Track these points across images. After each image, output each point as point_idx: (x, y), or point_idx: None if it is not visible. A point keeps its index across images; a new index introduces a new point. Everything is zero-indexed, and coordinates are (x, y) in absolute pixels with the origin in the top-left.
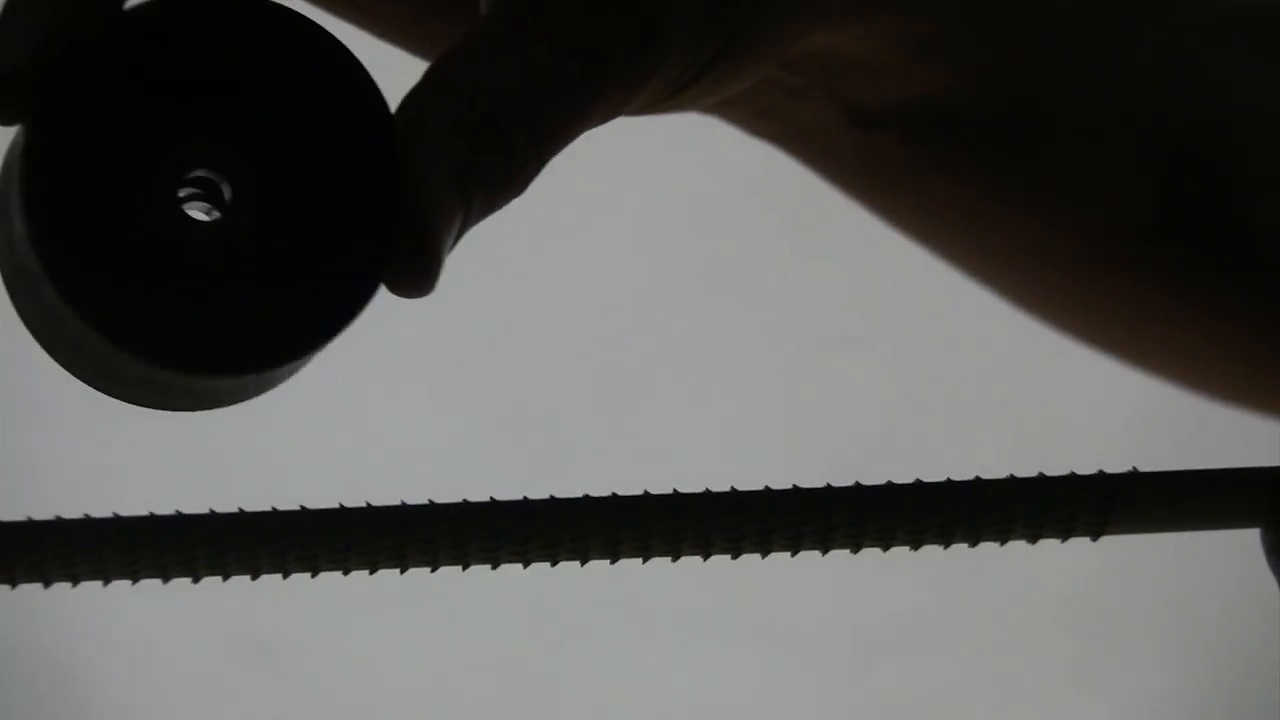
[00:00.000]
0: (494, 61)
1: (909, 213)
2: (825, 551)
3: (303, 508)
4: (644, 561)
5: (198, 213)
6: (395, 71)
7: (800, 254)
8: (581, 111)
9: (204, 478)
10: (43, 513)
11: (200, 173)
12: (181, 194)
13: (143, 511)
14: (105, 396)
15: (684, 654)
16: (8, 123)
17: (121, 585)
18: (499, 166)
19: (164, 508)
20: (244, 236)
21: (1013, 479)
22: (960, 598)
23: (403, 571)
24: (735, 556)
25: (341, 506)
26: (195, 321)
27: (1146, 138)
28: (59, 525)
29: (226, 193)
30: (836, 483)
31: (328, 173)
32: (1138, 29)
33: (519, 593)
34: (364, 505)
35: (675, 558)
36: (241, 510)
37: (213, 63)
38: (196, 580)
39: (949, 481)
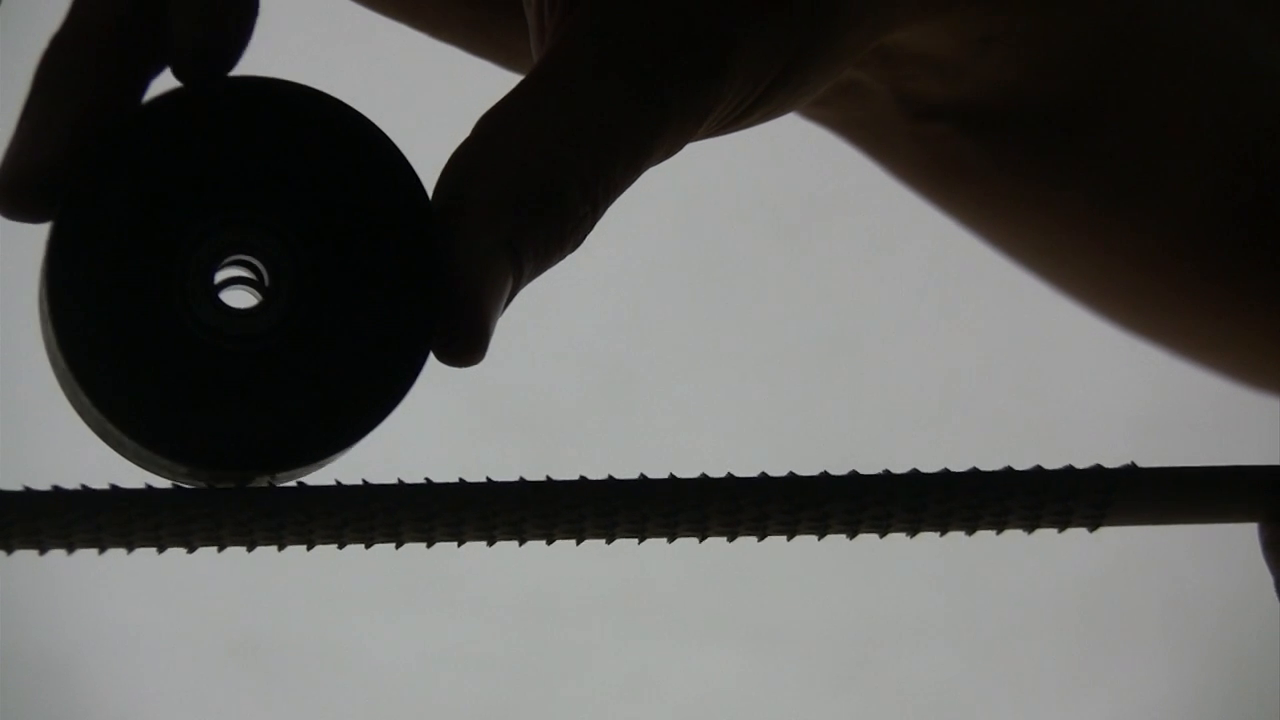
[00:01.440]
0: (544, 116)
1: (968, 204)
2: (821, 536)
3: (300, 484)
4: (639, 542)
5: (234, 301)
6: (427, 136)
7: (796, 255)
8: (638, 160)
9: None
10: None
11: (236, 260)
12: (217, 281)
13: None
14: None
15: (684, 654)
16: (37, 221)
17: (122, 585)
18: (553, 228)
19: None
20: (284, 324)
21: (1010, 470)
22: (961, 598)
23: (398, 546)
24: (731, 539)
25: (338, 484)
26: (237, 419)
27: (1218, 130)
28: (56, 494)
29: (265, 279)
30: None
31: (367, 255)
32: (1212, 17)
33: (519, 592)
34: (360, 483)
35: (671, 539)
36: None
37: (243, 147)
38: (191, 550)
39: (946, 471)
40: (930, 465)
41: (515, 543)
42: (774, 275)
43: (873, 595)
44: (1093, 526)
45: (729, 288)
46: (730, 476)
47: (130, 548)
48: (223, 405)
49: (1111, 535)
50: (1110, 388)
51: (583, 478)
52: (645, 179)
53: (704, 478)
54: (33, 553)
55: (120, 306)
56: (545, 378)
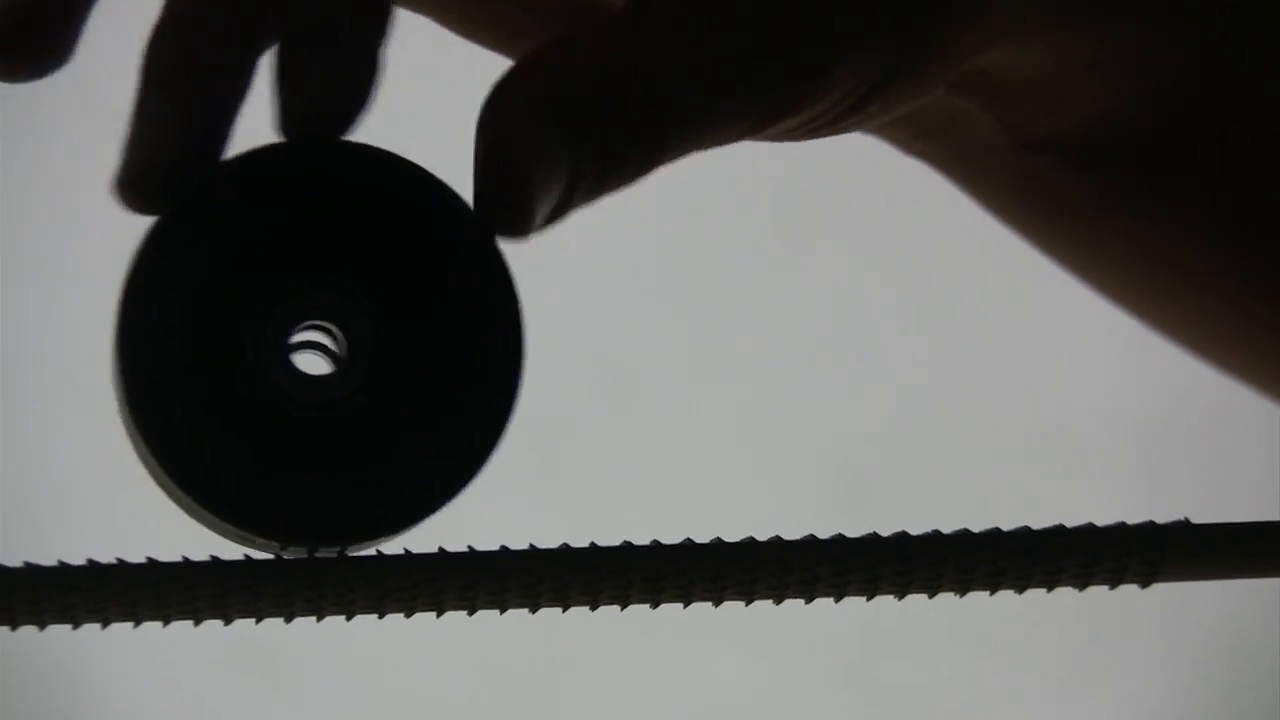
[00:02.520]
0: (637, 35)
1: (1067, 240)
2: (870, 598)
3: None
4: (684, 606)
5: (307, 367)
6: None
7: (798, 259)
8: (721, 116)
9: None
10: (43, 513)
11: (310, 325)
12: (292, 343)
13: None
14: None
15: (684, 654)
16: (158, 213)
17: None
18: (616, 136)
19: (158, 509)
20: (359, 392)
21: (1062, 528)
22: (960, 598)
23: (470, 613)
24: (778, 602)
25: (406, 552)
26: (310, 489)
27: None
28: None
29: (340, 345)
30: (851, 495)
31: (446, 327)
32: None
33: None
34: (435, 551)
35: (718, 602)
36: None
37: (324, 211)
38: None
39: (997, 530)
40: (927, 471)
41: (560, 609)
42: (775, 275)
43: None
44: (1145, 583)
45: (729, 287)
46: (779, 540)
47: (197, 620)
48: (295, 474)
49: None
50: (1112, 387)
51: (627, 543)
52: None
53: (752, 541)
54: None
55: (193, 367)
56: (545, 378)
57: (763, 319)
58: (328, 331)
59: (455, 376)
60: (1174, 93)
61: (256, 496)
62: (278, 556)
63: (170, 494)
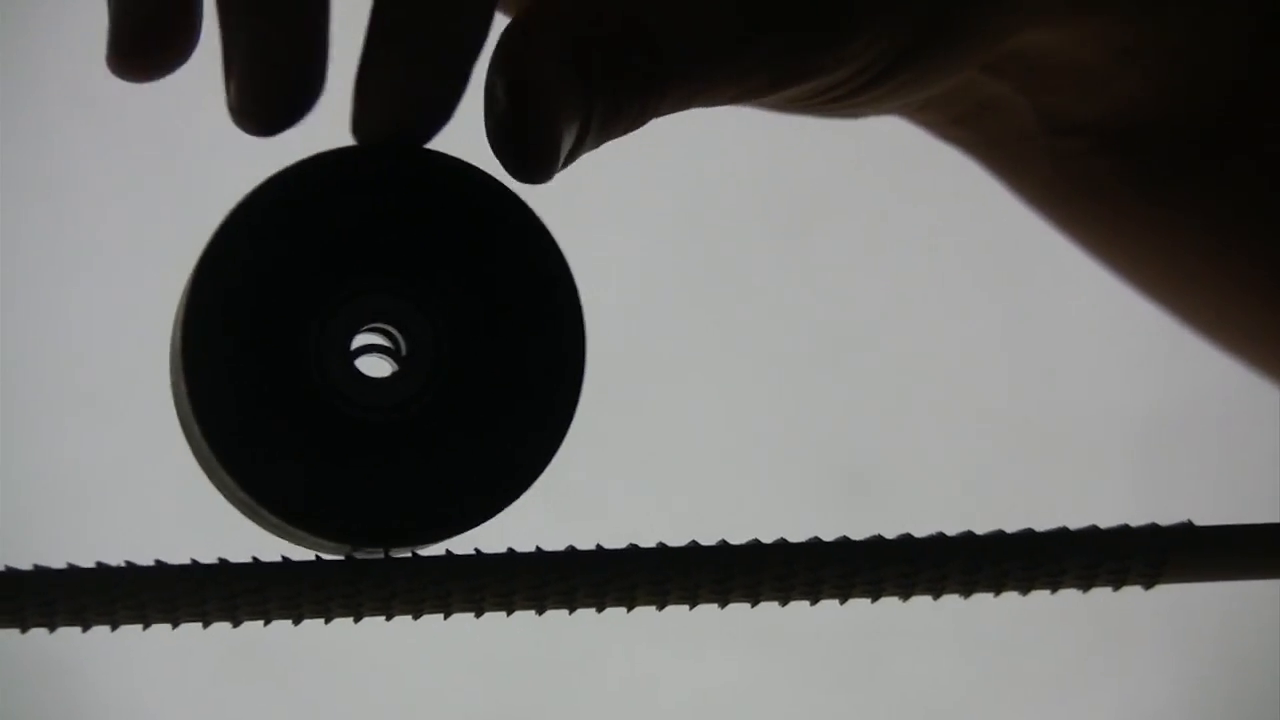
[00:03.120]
0: None
1: (1096, 226)
2: (875, 599)
3: (318, 558)
4: (690, 609)
5: (368, 370)
6: None
7: (800, 258)
8: (721, 75)
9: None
10: (43, 512)
11: (372, 328)
12: (354, 346)
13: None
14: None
15: (684, 654)
16: (280, 131)
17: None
18: (623, 79)
19: (160, 508)
20: (422, 394)
21: (1065, 530)
22: (965, 599)
23: (540, 613)
24: (784, 604)
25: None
26: (371, 493)
27: None
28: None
29: (402, 348)
30: (853, 494)
31: (509, 330)
32: None
33: None
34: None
35: (723, 605)
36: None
37: (389, 214)
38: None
39: (1000, 533)
40: (927, 471)
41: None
42: (777, 274)
43: None
44: (1148, 585)
45: (729, 287)
46: (784, 542)
47: (206, 622)
48: (355, 476)
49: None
50: (1116, 387)
51: (633, 545)
52: (639, 182)
53: (757, 544)
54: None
55: (255, 368)
56: None
57: (763, 318)
58: (389, 335)
59: (517, 380)
60: (1206, 83)
61: (316, 498)
62: (317, 558)
63: (229, 494)
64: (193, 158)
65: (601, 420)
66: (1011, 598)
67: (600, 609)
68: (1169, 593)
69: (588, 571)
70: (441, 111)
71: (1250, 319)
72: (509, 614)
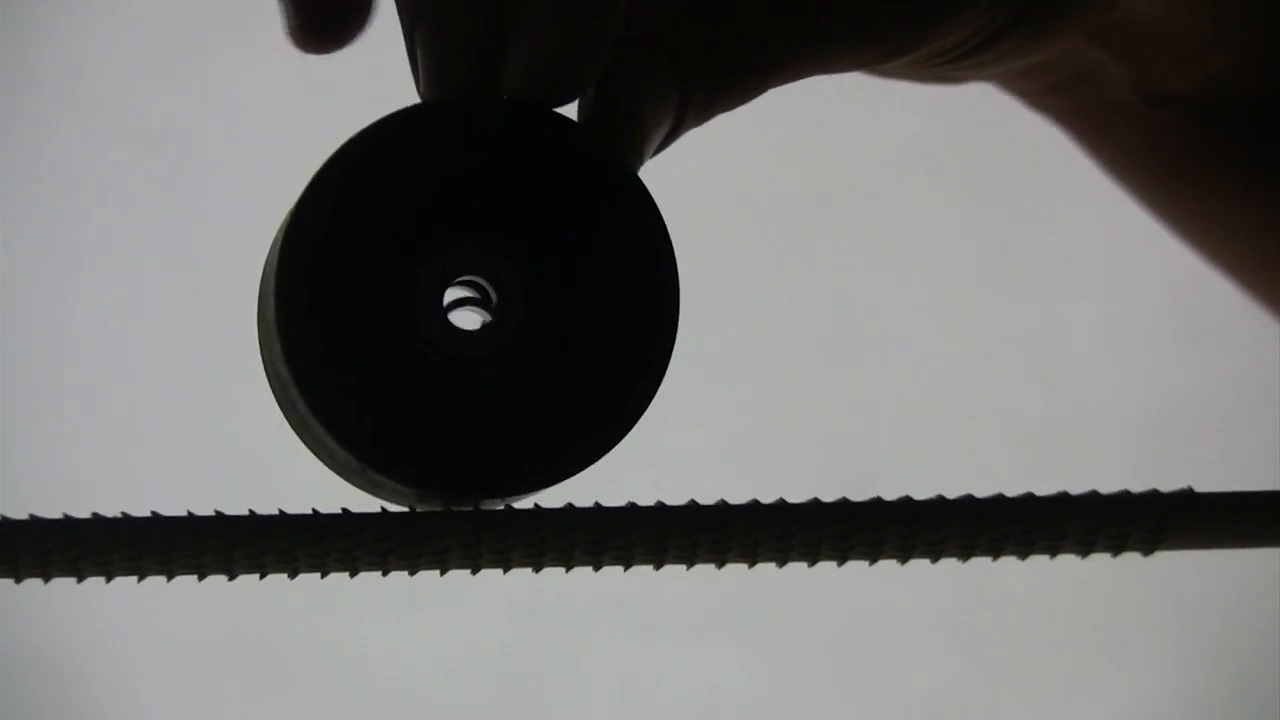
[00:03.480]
0: None
1: (1188, 204)
2: (873, 561)
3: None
4: (688, 568)
5: (460, 322)
6: None
7: (802, 258)
8: (833, 49)
9: (202, 478)
10: (42, 511)
11: (461, 281)
12: (446, 299)
13: (144, 510)
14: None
15: (684, 654)
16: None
17: (120, 585)
18: (721, 68)
19: (160, 507)
20: (514, 345)
21: (1066, 495)
22: (960, 598)
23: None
24: (781, 565)
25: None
26: (469, 443)
27: None
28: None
29: (493, 300)
30: (855, 493)
31: (599, 280)
32: None
33: (519, 593)
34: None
35: (721, 564)
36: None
37: (480, 166)
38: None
39: (1001, 496)
40: (927, 471)
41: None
42: (778, 274)
43: (873, 595)
44: (1148, 551)
45: (730, 286)
46: (783, 503)
47: (201, 575)
48: (454, 428)
49: None
50: (1118, 389)
51: (631, 504)
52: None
53: (756, 504)
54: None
55: (347, 317)
56: None
57: (766, 318)
58: (481, 289)
59: (607, 339)
60: None
61: (405, 447)
62: (382, 509)
63: (315, 443)
64: (192, 157)
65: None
66: (1012, 596)
67: (597, 568)
68: (1169, 593)
69: (585, 530)
70: (582, 82)
71: None
72: (505, 571)
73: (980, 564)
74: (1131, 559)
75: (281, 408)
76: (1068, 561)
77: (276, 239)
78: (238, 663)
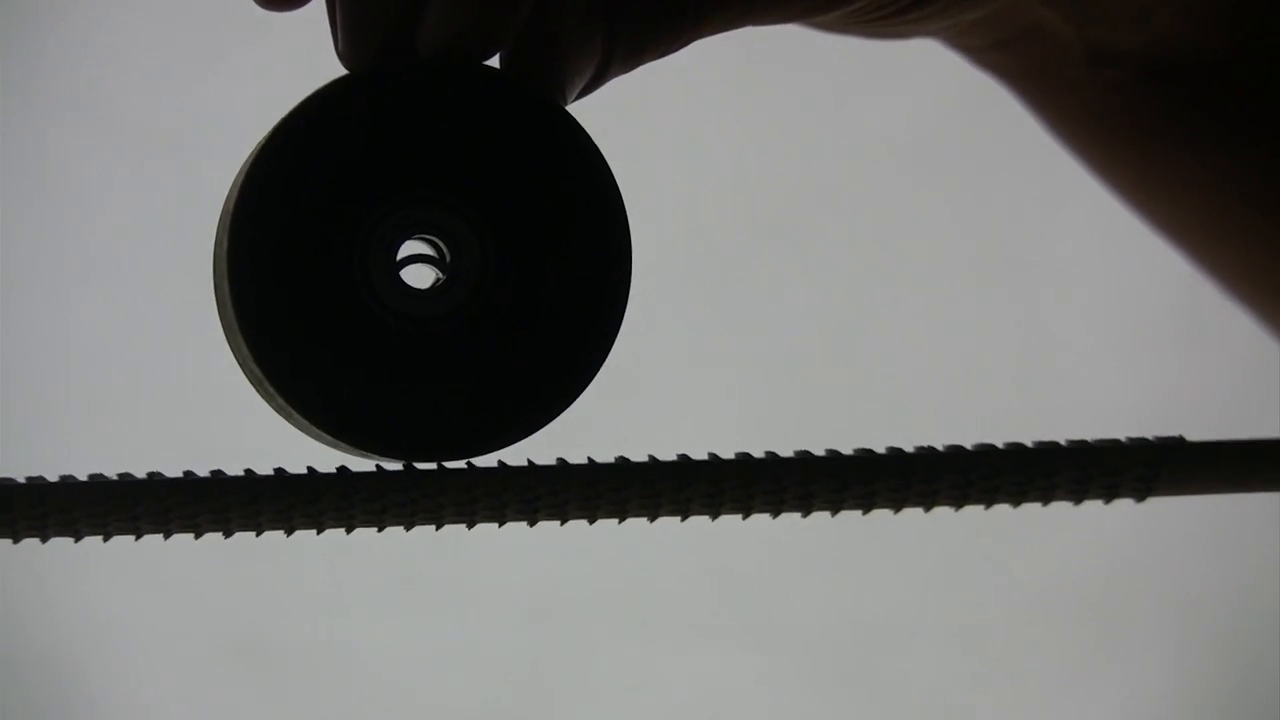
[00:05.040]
0: None
1: (1130, 163)
2: (867, 511)
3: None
4: (682, 520)
5: (413, 280)
6: None
7: (798, 258)
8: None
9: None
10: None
11: (415, 238)
12: (398, 257)
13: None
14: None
15: (684, 654)
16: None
17: (120, 585)
18: (648, 11)
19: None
20: (467, 305)
21: (1057, 444)
22: (960, 597)
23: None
24: (775, 515)
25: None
26: (422, 403)
27: None
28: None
29: (446, 258)
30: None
31: (552, 236)
32: None
33: (519, 592)
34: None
35: (714, 517)
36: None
37: (430, 125)
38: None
39: (992, 446)
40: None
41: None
42: (776, 274)
43: (873, 594)
44: (1140, 498)
45: (729, 286)
46: (774, 455)
47: (198, 534)
48: (396, 386)
49: (1113, 532)
50: (1113, 387)
51: (622, 458)
52: (638, 179)
53: (748, 457)
54: (68, 541)
55: (300, 274)
56: None
57: (762, 317)
58: (435, 245)
59: (560, 296)
60: (1245, 14)
61: (356, 407)
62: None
63: (269, 400)
64: (193, 158)
65: (600, 420)
66: (1011, 596)
67: (592, 521)
68: (1169, 592)
69: (582, 485)
70: (501, 35)
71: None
72: (500, 525)
73: (980, 563)
74: (1131, 559)
75: (245, 373)
76: (1068, 561)
77: (226, 207)
78: (237, 662)
